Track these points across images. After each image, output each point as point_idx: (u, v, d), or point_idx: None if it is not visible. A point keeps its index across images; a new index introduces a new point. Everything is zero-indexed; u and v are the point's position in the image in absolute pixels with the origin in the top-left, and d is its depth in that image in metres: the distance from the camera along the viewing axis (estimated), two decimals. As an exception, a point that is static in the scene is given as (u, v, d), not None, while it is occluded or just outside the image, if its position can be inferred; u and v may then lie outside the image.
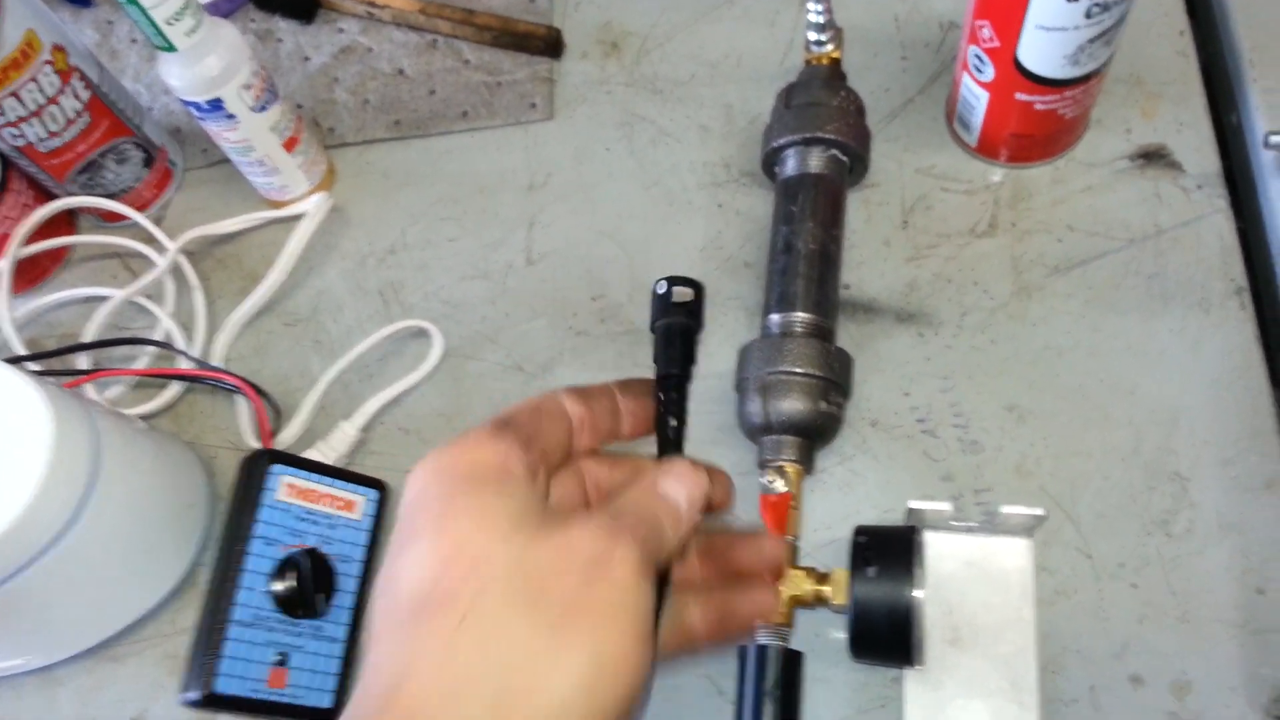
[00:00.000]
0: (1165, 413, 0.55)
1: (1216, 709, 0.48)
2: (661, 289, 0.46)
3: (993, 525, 0.51)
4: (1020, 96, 0.58)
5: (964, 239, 0.61)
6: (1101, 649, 0.50)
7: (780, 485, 0.52)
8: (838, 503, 0.56)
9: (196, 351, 0.65)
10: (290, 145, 0.65)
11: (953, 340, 0.59)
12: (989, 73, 0.58)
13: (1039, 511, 0.50)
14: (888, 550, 0.49)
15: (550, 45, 0.70)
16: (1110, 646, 0.50)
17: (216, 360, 0.65)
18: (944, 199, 0.63)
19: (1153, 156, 0.61)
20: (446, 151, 0.70)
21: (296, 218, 0.68)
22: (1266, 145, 0.56)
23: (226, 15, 0.76)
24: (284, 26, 0.75)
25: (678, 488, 0.38)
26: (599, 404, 0.42)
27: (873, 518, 0.55)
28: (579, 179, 0.67)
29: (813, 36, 0.62)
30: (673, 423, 0.43)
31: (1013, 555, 0.52)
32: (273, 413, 0.62)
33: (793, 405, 0.53)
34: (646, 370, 0.44)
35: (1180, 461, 0.53)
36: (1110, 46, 0.55)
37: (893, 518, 0.54)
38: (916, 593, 0.48)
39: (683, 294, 0.46)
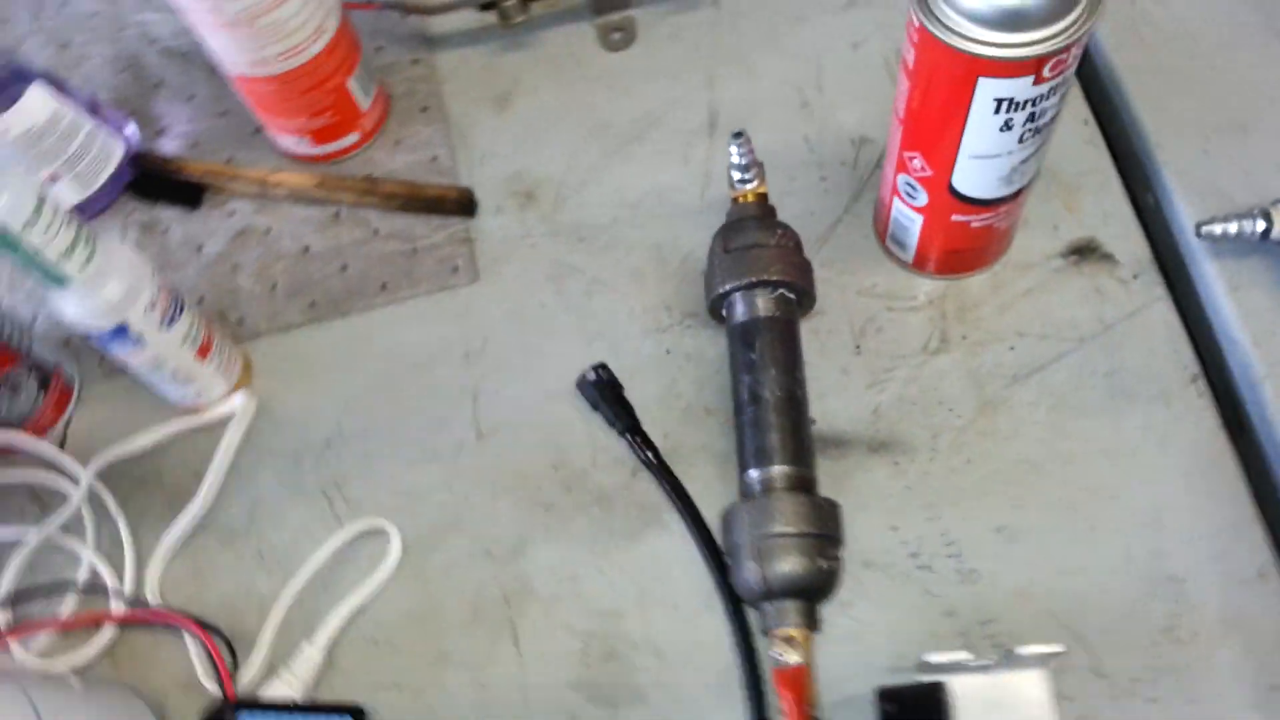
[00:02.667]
0: (1149, 514, 0.55)
1: (1263, 822, 0.48)
2: (591, 377, 0.61)
3: (1010, 663, 0.50)
4: (956, 218, 0.58)
5: (919, 358, 0.61)
6: (1138, 773, 0.50)
7: (793, 657, 0.50)
8: (847, 656, 0.54)
9: (127, 586, 0.60)
10: (204, 352, 0.60)
11: (929, 466, 0.58)
12: (922, 199, 0.57)
13: (1058, 648, 0.49)
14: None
15: (463, 205, 0.68)
16: (1146, 769, 0.50)
17: (151, 593, 0.59)
18: (891, 319, 0.62)
19: (1085, 251, 0.62)
20: (370, 329, 0.66)
21: (217, 423, 0.63)
22: (1199, 235, 0.58)
23: (102, 210, 0.70)
24: (169, 215, 0.70)
25: None
26: None
27: (884, 665, 0.53)
28: (518, 341, 0.65)
29: (737, 176, 0.62)
30: (650, 456, 0.59)
31: (1030, 688, 0.51)
32: (225, 648, 0.57)
33: (791, 568, 0.51)
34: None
35: (1173, 563, 0.54)
36: (1040, 161, 0.56)
37: (904, 664, 0.53)
38: (960, 758, 0.46)
39: (600, 371, 0.62)
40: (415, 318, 0.66)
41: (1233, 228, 0.57)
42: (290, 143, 0.69)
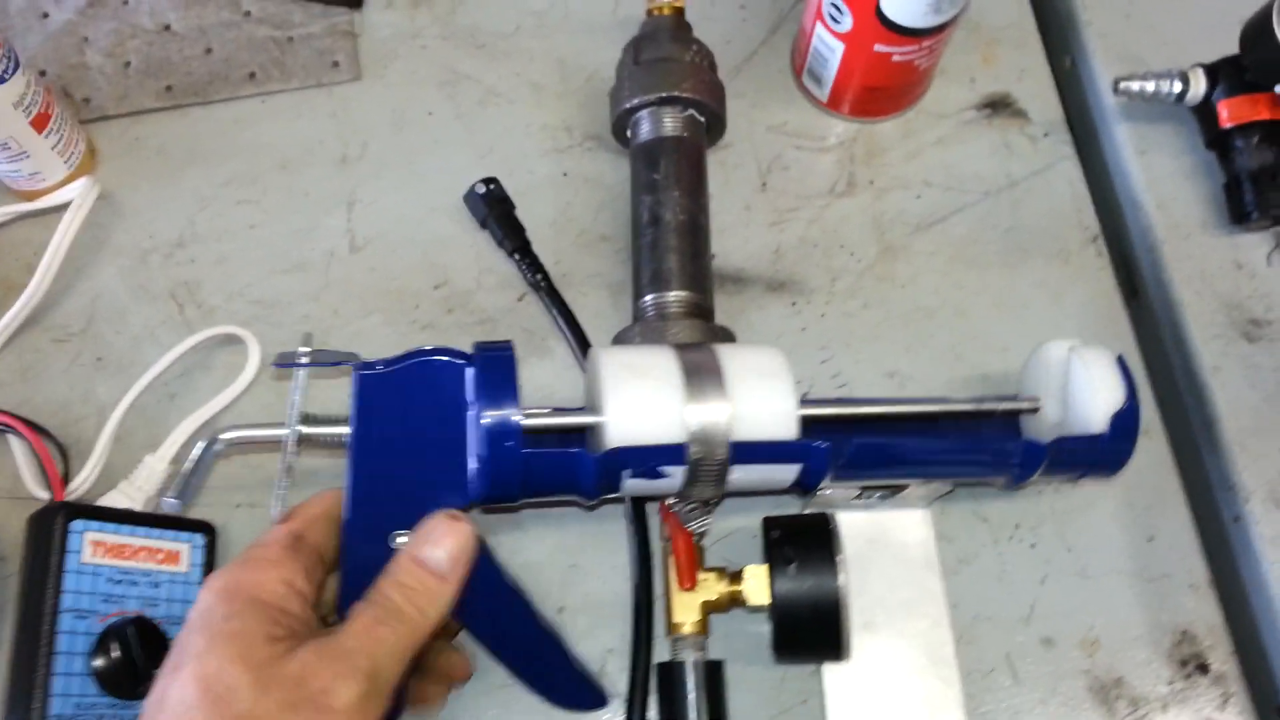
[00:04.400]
0: (1039, 367, 0.55)
1: (1125, 660, 0.49)
2: (480, 190, 0.56)
3: (896, 499, 0.50)
4: (879, 48, 0.55)
5: (824, 200, 0.58)
6: (1010, 614, 0.50)
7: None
8: (732, 491, 0.52)
9: (-58, 383, 0.53)
10: (41, 123, 0.53)
11: (826, 308, 0.56)
12: (847, 23, 0.54)
13: (945, 488, 0.49)
14: (806, 542, 0.46)
15: (348, -6, 0.61)
16: (1018, 610, 0.50)
17: (-30, 392, 0.53)
18: (799, 158, 0.59)
19: (998, 105, 0.61)
20: (234, 121, 0.60)
21: (56, 209, 0.56)
22: (1116, 91, 0.57)
23: (-75, -41, 0.61)
24: (7, -26, 0.62)
25: (434, 550, 0.39)
26: None
27: (769, 500, 0.52)
28: (401, 148, 0.59)
29: (655, -17, 0.57)
30: (540, 279, 0.55)
31: (913, 528, 0.51)
32: (58, 453, 0.51)
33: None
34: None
35: (1059, 416, 0.54)
36: (968, -5, 0.53)
37: (791, 501, 0.52)
38: (840, 579, 0.45)
39: (490, 185, 0.57)
40: (287, 112, 0.60)
41: (1150, 86, 0.56)
42: (152, -98, 0.61)
